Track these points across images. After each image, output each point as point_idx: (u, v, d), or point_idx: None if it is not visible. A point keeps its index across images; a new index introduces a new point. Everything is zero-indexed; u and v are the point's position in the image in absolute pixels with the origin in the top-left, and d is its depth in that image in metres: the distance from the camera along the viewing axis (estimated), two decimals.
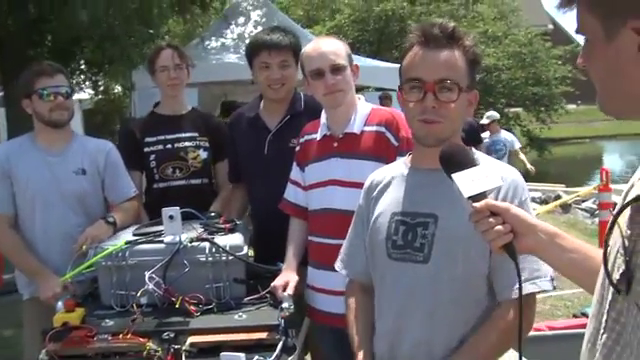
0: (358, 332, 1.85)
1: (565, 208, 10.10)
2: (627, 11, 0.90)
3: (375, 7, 17.12)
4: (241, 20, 9.95)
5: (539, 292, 1.66)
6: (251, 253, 2.63)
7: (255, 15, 10.01)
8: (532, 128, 20.51)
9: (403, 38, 1.75)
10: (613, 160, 22.09)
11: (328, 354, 2.44)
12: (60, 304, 2.19)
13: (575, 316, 4.72)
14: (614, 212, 0.97)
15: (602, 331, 0.97)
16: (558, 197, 10.34)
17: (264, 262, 2.46)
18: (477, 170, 1.40)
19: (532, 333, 3.89)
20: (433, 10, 17.22)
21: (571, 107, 25.74)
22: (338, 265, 1.99)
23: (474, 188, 1.36)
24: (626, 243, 0.93)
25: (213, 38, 9.57)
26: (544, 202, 10.21)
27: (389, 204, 1.78)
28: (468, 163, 1.41)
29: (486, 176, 1.39)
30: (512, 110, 19.52)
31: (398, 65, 1.78)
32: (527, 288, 1.60)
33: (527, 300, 1.60)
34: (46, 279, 2.55)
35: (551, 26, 31.87)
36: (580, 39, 1.02)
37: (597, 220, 8.34)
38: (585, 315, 4.40)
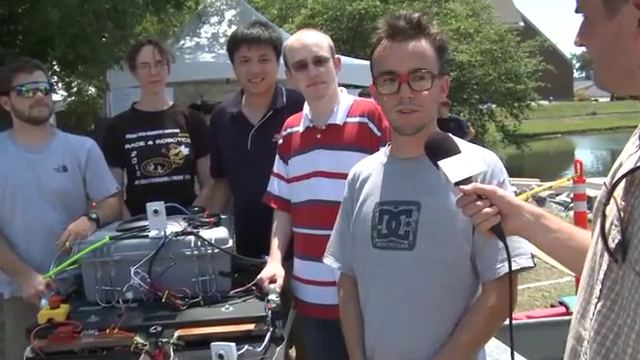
0: (352, 327, 1.86)
1: (540, 202, 10.25)
2: None
3: (348, 6, 17.17)
4: (215, 19, 9.90)
5: (520, 270, 1.70)
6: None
7: (229, 14, 9.97)
8: (507, 124, 20.75)
9: (375, 38, 1.79)
10: (585, 154, 22.50)
11: (313, 345, 2.46)
12: (44, 301, 2.18)
13: (552, 306, 4.81)
14: (609, 186, 1.01)
15: (596, 300, 1.01)
16: None
17: (247, 256, 2.46)
18: (462, 156, 1.45)
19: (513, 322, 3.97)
20: (406, 8, 17.31)
21: (543, 103, 26.15)
22: (328, 259, 2.00)
23: (460, 174, 1.40)
24: (621, 214, 0.97)
25: (187, 37, 9.50)
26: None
27: (372, 194, 1.81)
28: (452, 150, 1.46)
29: (471, 162, 1.44)
30: (486, 106, 19.72)
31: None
32: (509, 266, 1.65)
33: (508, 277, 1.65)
34: (28, 277, 2.52)
35: (522, 23, 32.37)
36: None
37: (571, 213, 8.49)
38: (562, 304, 4.49)
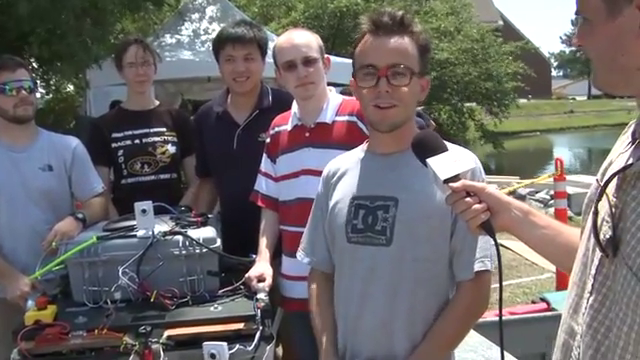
0: (324, 321, 1.88)
1: (519, 199, 10.35)
2: None
3: (329, 4, 17.18)
4: (196, 16, 9.84)
5: (485, 271, 1.71)
6: None
7: (210, 11, 9.91)
8: (486, 122, 20.91)
9: (358, 34, 1.80)
10: (563, 152, 22.77)
11: (301, 341, 2.46)
12: (30, 303, 2.16)
13: (534, 302, 4.87)
14: (602, 183, 1.03)
15: (588, 295, 1.03)
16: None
17: (234, 255, 2.46)
18: (450, 154, 1.47)
19: (494, 318, 4.02)
20: (386, 6, 17.36)
21: (522, 101, 26.41)
22: (300, 254, 2.02)
23: (449, 171, 1.42)
24: (613, 210, 0.99)
25: (168, 35, 9.42)
26: None
27: (348, 189, 1.82)
28: (440, 148, 1.48)
29: (458, 159, 1.46)
30: (467, 105, 19.85)
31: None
32: (476, 266, 1.69)
33: (482, 277, 1.70)
34: (13, 279, 2.49)
35: (501, 22, 32.61)
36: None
37: (551, 210, 8.60)
38: (544, 300, 4.55)
